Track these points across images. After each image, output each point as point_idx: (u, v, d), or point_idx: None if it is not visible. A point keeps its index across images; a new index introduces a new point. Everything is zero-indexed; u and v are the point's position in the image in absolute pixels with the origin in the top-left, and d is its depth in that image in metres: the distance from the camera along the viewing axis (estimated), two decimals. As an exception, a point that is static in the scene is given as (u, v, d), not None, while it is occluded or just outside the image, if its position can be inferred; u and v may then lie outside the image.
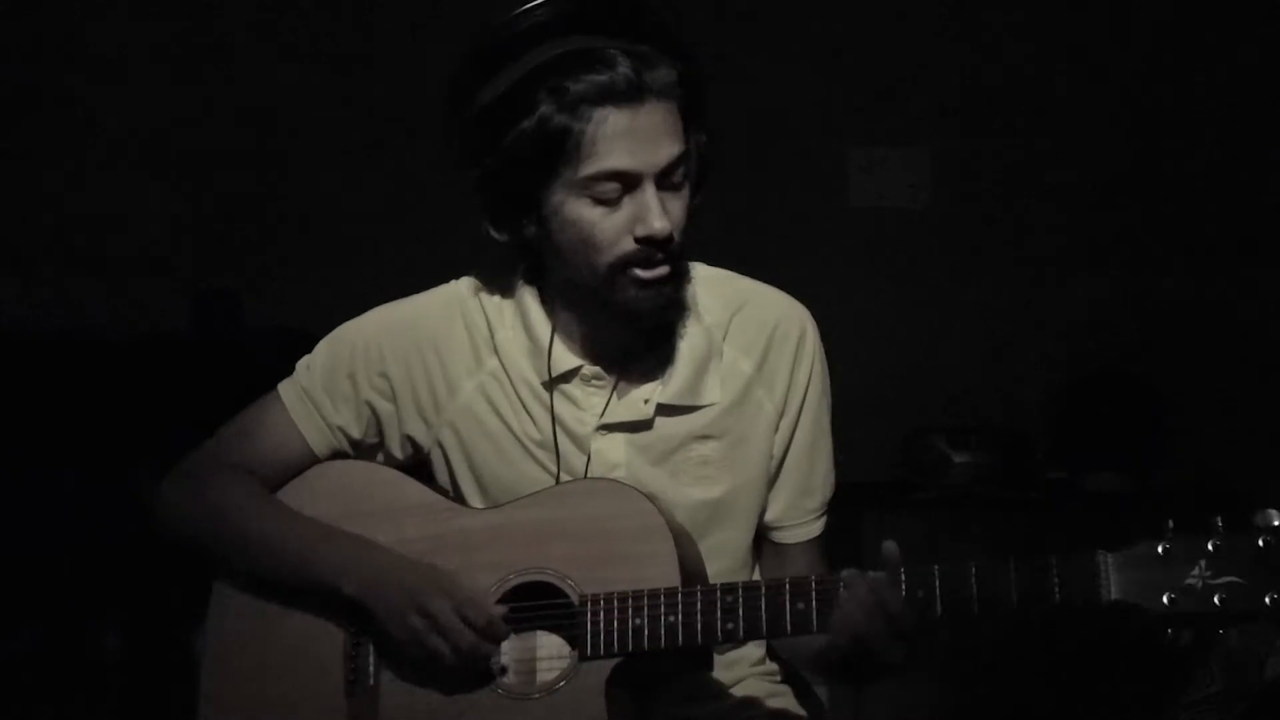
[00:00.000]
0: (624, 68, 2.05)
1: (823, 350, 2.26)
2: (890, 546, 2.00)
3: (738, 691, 2.25)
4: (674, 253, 2.10)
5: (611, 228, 2.08)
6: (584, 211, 2.08)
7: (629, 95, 2.05)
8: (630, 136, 2.05)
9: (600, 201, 2.08)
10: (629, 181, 2.07)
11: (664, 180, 2.08)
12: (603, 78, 2.04)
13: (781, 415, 2.23)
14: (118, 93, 4.29)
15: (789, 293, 2.29)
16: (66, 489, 3.85)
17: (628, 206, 2.08)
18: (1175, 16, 4.38)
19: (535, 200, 2.10)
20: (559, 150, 2.06)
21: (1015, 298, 4.42)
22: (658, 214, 2.07)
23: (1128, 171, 4.43)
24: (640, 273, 2.09)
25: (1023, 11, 4.41)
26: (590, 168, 2.06)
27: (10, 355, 4.01)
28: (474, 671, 2.09)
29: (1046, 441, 4.30)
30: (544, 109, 2.05)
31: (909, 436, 4.20)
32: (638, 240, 2.08)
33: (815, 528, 2.28)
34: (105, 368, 4.01)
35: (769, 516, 2.26)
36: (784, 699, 2.28)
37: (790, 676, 2.31)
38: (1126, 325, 4.40)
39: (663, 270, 2.10)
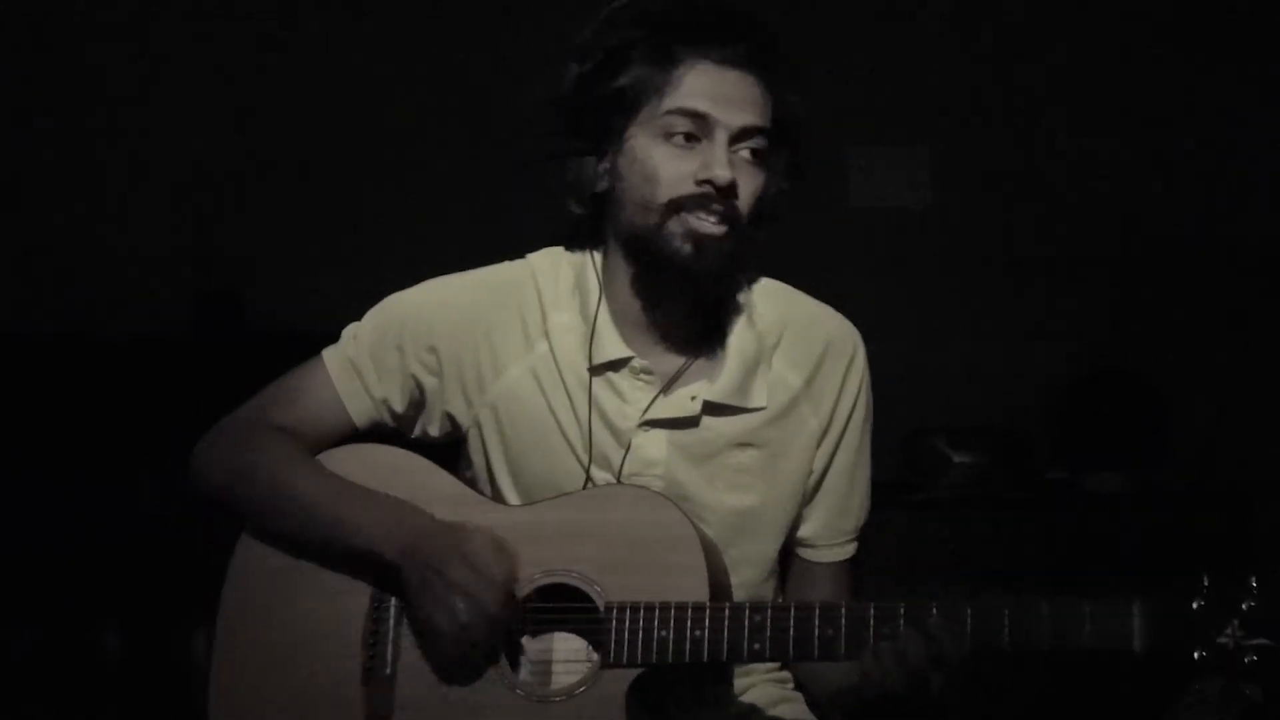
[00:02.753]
0: (740, 41, 2.10)
1: (869, 375, 2.25)
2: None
3: (750, 697, 2.24)
4: (733, 217, 2.09)
5: (676, 168, 2.09)
6: (655, 148, 2.10)
7: (731, 60, 2.09)
8: (717, 88, 2.09)
9: (672, 141, 2.09)
10: (704, 129, 2.09)
11: (739, 144, 2.10)
12: (712, 40, 2.09)
13: (824, 434, 2.22)
14: (118, 95, 4.29)
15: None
16: (67, 489, 3.85)
17: (698, 156, 2.09)
18: (1175, 14, 4.38)
19: (612, 141, 2.12)
20: (647, 91, 2.09)
21: (1015, 297, 4.42)
22: (723, 163, 2.08)
23: (1128, 171, 4.43)
24: (692, 219, 2.08)
25: (1022, 12, 4.41)
26: (671, 103, 2.09)
27: (10, 355, 4.01)
28: (489, 642, 2.06)
29: (1046, 441, 4.29)
30: (639, 54, 2.09)
31: (908, 437, 4.19)
32: (698, 183, 2.08)
33: (847, 550, 2.27)
34: (106, 368, 4.01)
35: (803, 533, 2.24)
36: (796, 705, 2.27)
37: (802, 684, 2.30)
38: (1126, 325, 4.40)
39: (715, 227, 2.09)
